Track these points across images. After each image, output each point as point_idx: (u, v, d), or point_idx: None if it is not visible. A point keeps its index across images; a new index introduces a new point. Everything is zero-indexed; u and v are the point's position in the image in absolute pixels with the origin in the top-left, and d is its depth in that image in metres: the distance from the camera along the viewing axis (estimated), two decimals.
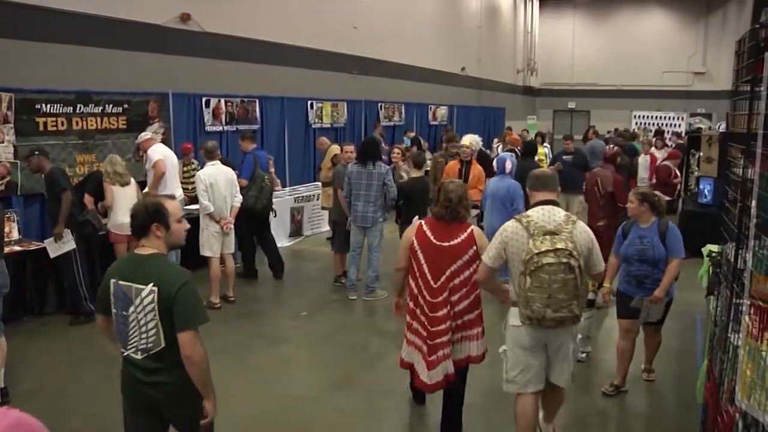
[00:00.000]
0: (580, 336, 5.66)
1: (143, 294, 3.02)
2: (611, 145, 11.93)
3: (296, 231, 11.32)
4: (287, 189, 11.90)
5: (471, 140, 9.37)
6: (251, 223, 8.60)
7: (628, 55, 28.60)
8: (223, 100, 11.28)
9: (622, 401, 5.30)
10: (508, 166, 8.05)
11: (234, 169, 8.31)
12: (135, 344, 3.10)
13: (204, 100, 10.89)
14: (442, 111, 20.41)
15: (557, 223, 3.86)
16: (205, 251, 7.64)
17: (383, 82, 16.78)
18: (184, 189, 9.03)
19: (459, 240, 4.38)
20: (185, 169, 9.54)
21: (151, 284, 3.01)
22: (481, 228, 6.25)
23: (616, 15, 29.55)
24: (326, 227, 10.85)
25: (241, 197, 7.94)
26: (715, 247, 5.51)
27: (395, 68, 17.31)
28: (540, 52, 30.33)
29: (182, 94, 10.37)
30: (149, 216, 3.12)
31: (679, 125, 26.17)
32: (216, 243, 7.63)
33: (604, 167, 8.90)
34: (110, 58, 9.23)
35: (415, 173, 8.24)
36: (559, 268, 3.70)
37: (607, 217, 7.90)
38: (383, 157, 9.35)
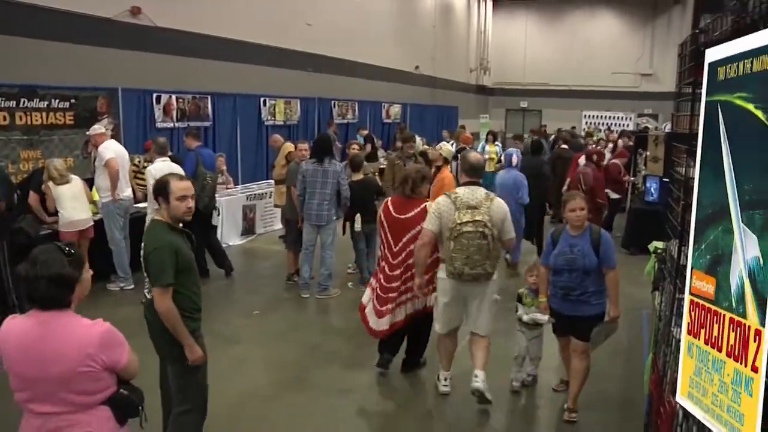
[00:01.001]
0: (530, 358, 5.50)
1: (142, 248, 3.80)
2: (590, 144, 12.44)
3: (249, 229, 11.21)
4: (239, 187, 11.79)
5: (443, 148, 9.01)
6: (194, 222, 8.38)
7: (579, 56, 29.17)
8: (174, 96, 11.12)
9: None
10: (515, 160, 8.98)
11: (181, 167, 8.17)
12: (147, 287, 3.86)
13: (155, 96, 10.73)
14: (396, 109, 20.49)
15: (478, 200, 4.89)
16: None
17: (337, 79, 16.76)
18: (143, 186, 8.77)
19: (413, 213, 5.39)
20: (146, 165, 9.36)
21: (144, 243, 3.79)
22: None
23: (568, 17, 30.08)
24: (279, 225, 10.78)
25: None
26: (660, 244, 5.63)
27: (349, 66, 17.31)
28: (493, 51, 30.69)
29: (132, 89, 10.19)
30: (156, 190, 3.82)
31: (628, 125, 26.77)
32: None
33: (587, 164, 9.37)
34: (57, 52, 9.01)
35: (354, 176, 8.21)
36: (475, 236, 4.76)
37: (590, 211, 8.16)
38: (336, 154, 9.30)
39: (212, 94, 12.06)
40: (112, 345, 2.70)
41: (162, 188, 3.74)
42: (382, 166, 14.68)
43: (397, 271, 5.41)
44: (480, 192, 4.96)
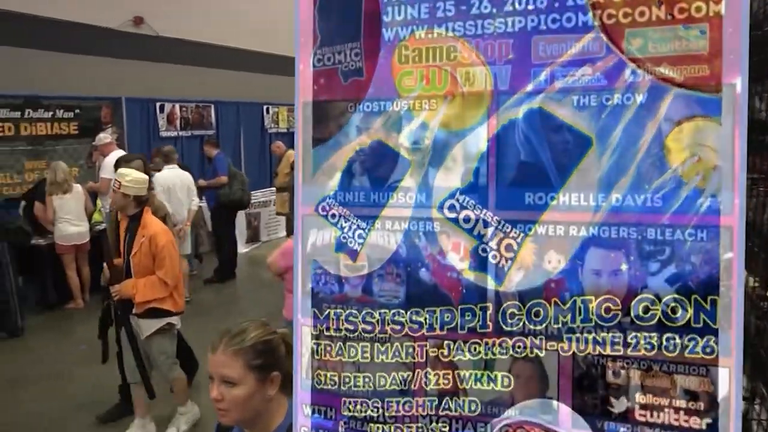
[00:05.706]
0: None
1: None
2: None
3: (253, 237, 11.22)
4: None
5: None
6: (229, 217, 9.05)
7: None
8: (177, 105, 11.14)
9: None
10: None
11: (191, 174, 8.25)
12: None
13: (158, 105, 10.75)
14: None
15: None
16: None
17: None
18: None
19: None
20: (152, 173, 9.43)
21: None
22: None
23: None
24: (284, 233, 10.78)
25: (198, 200, 7.99)
26: None
27: None
28: None
29: (135, 99, 10.21)
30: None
31: None
32: None
33: None
34: (61, 62, 9.06)
35: None
36: None
37: None
38: None
39: (215, 102, 12.07)
40: None
41: None
42: None
43: None
44: None
